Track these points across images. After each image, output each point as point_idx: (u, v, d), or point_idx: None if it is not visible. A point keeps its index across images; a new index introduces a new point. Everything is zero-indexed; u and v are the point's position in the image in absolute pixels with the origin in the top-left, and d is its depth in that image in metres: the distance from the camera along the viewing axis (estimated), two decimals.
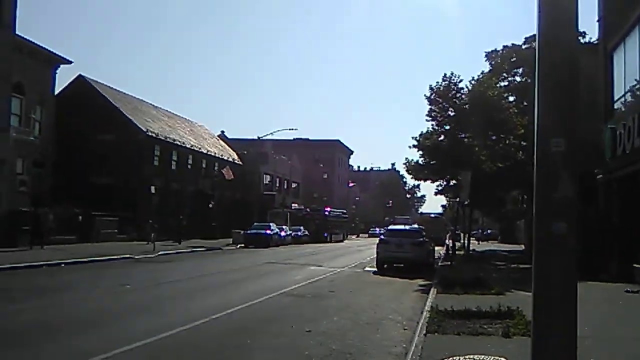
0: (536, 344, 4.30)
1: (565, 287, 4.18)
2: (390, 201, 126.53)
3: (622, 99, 22.48)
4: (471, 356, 8.53)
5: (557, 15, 4.30)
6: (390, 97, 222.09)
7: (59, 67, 41.67)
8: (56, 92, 42.85)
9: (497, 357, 8.46)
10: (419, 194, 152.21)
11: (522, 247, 49.92)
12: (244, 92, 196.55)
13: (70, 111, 43.18)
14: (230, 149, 70.99)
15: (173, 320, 11.43)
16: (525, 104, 35.71)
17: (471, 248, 38.63)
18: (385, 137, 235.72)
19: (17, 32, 33.90)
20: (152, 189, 46.35)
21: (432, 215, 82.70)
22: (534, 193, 4.27)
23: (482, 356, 8.53)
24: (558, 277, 4.17)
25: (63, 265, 23.70)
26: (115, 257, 28.15)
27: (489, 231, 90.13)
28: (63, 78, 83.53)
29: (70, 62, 42.21)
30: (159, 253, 31.60)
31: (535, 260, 4.30)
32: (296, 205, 79.78)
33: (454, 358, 8.44)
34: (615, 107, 23.21)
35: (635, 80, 21.04)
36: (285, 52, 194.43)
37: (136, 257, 28.99)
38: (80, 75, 49.45)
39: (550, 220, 4.15)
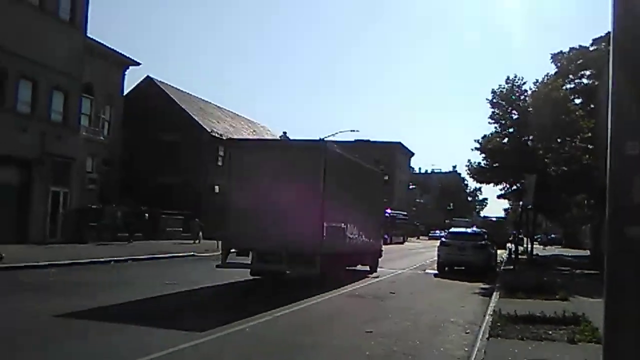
0: (607, 351, 4.24)
1: (639, 293, 4.11)
2: (451, 204, 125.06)
3: None
4: None
5: (632, 13, 4.23)
6: (452, 98, 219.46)
7: (128, 68, 42.86)
8: (125, 92, 44.01)
9: None
10: (480, 197, 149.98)
11: (588, 252, 48.72)
12: (307, 93, 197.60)
13: (138, 111, 44.27)
14: None
15: (234, 318, 11.58)
16: (592, 106, 34.85)
17: (534, 252, 37.90)
18: (446, 139, 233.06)
19: (88, 35, 35.01)
20: (216, 188, 47.04)
21: (494, 219, 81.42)
22: (607, 197, 4.21)
23: None
24: (631, 284, 4.10)
25: (129, 261, 24.37)
26: (180, 254, 28.80)
27: (552, 236, 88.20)
28: (131, 79, 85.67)
29: (139, 64, 43.41)
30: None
31: (607, 266, 4.24)
32: None
33: None
34: None
35: None
36: (349, 54, 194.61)
37: (197, 255, 29.53)
38: (148, 77, 50.74)
39: (624, 225, 4.08)
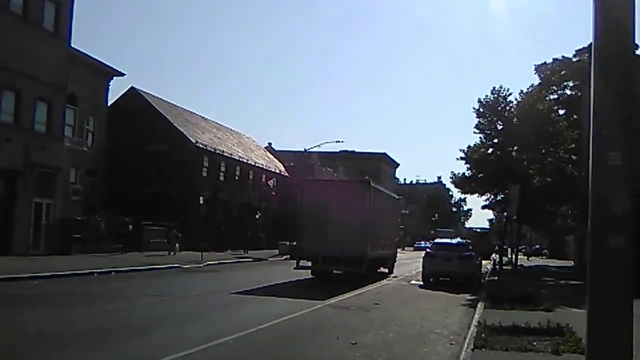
0: None
1: (621, 304, 4.11)
2: (436, 214, 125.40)
3: None
4: None
5: (613, 25, 4.26)
6: (437, 110, 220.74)
7: (112, 79, 42.62)
8: (109, 103, 43.79)
9: None
10: (465, 208, 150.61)
11: (572, 262, 48.97)
12: (292, 105, 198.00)
13: (122, 122, 44.06)
14: (277, 160, 71.46)
15: (220, 330, 11.57)
16: (575, 117, 35.13)
17: (519, 263, 38.02)
18: (431, 150, 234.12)
19: (72, 45, 34.84)
20: (201, 199, 46.91)
21: (479, 230, 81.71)
22: (590, 207, 4.22)
23: None
24: (614, 294, 4.10)
25: (113, 273, 24.18)
26: (164, 266, 28.63)
27: (537, 246, 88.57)
28: (116, 90, 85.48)
29: (123, 75, 43.17)
30: (207, 263, 31.94)
31: (590, 276, 4.24)
32: None
33: None
34: None
35: None
36: (333, 66, 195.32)
37: (184, 266, 29.36)
38: (132, 87, 50.55)
39: (606, 235, 4.09)
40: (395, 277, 29.89)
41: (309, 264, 26.47)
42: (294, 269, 26.46)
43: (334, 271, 26.92)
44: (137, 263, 28.28)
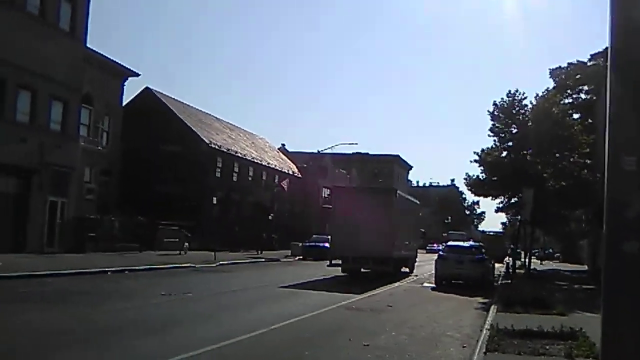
0: None
1: (637, 308, 4.10)
2: (449, 217, 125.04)
3: None
4: None
5: (631, 28, 4.25)
6: (451, 112, 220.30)
7: (127, 79, 42.92)
8: (124, 103, 44.08)
9: None
10: (478, 211, 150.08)
11: (585, 267, 48.67)
12: (306, 106, 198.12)
13: (137, 122, 44.33)
14: (290, 162, 71.58)
15: (234, 329, 11.62)
16: (590, 121, 34.96)
17: (532, 267, 37.86)
18: (444, 152, 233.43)
19: (88, 45, 35.11)
20: (214, 199, 47.08)
21: (492, 233, 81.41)
22: (605, 212, 4.22)
23: None
24: (629, 298, 4.09)
25: (127, 272, 24.33)
26: (177, 265, 28.76)
27: (550, 250, 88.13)
28: (131, 90, 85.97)
29: (138, 75, 43.47)
30: (220, 263, 32.05)
31: (604, 281, 4.23)
32: None
33: None
34: None
35: None
36: (349, 67, 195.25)
37: (197, 266, 29.47)
38: (147, 88, 50.85)
39: (621, 240, 4.08)
40: (416, 275, 32.39)
41: (340, 262, 30.24)
42: (327, 266, 32.13)
43: (362, 269, 29.83)
44: (151, 262, 28.46)
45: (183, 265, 29.16)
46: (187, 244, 38.36)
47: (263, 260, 39.90)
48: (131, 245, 35.98)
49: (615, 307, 4.17)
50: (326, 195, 74.24)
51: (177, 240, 38.84)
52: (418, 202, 42.17)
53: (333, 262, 31.11)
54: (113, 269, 24.08)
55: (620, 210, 4.11)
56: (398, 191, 32.45)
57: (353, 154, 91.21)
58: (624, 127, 4.18)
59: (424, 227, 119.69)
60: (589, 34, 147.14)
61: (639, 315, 4.12)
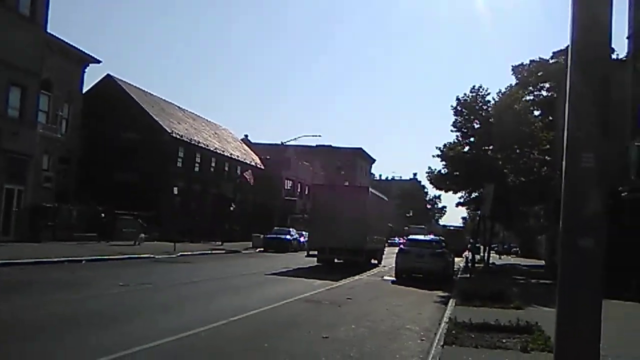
0: (559, 359, 4.28)
1: (591, 303, 4.15)
2: (411, 211, 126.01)
3: None
4: None
5: (590, 29, 4.29)
6: (414, 107, 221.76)
7: (88, 66, 42.12)
8: (84, 90, 43.31)
9: None
10: (439, 205, 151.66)
11: (543, 262, 49.49)
12: (270, 98, 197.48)
13: (97, 110, 43.64)
14: (253, 153, 71.25)
15: (192, 321, 11.52)
16: (550, 118, 35.52)
17: (491, 261, 38.36)
18: (407, 147, 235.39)
19: (48, 31, 34.36)
20: (175, 189, 46.62)
21: (453, 228, 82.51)
22: (562, 208, 4.25)
23: None
24: (583, 293, 4.15)
25: (84, 261, 23.96)
26: (136, 256, 28.41)
27: (509, 245, 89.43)
28: (91, 77, 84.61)
29: (99, 62, 42.65)
30: (180, 254, 31.76)
31: (560, 276, 4.28)
32: None
33: None
34: None
35: None
36: (314, 60, 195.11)
37: (157, 256, 29.17)
38: (108, 75, 50.07)
39: (577, 236, 4.13)
40: (385, 266, 33.97)
41: (316, 253, 33.38)
42: (306, 256, 35.35)
43: (336, 260, 32.70)
44: (109, 252, 28.04)
45: (142, 255, 28.81)
46: (142, 234, 37.68)
47: (224, 251, 39.69)
48: (89, 234, 35.44)
49: (570, 302, 4.22)
50: (288, 187, 74.25)
51: (134, 230, 38.28)
52: (387, 199, 45.64)
53: (310, 252, 34.56)
54: (70, 258, 23.68)
55: (577, 207, 4.15)
56: (370, 189, 36.08)
57: (316, 146, 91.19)
58: (582, 123, 4.22)
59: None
60: (554, 32, 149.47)
61: (593, 309, 4.18)
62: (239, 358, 9.10)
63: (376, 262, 36.05)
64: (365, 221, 31.88)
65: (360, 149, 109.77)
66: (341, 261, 32.55)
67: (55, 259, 22.89)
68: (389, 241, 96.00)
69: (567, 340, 4.24)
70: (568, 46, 4.49)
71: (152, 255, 29.17)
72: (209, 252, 37.41)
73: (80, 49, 40.22)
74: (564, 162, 4.27)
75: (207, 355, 9.21)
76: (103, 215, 38.53)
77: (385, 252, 39.57)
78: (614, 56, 33.61)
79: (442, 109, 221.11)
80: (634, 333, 13.17)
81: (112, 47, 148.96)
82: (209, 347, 9.72)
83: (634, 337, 12.52)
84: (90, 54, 41.51)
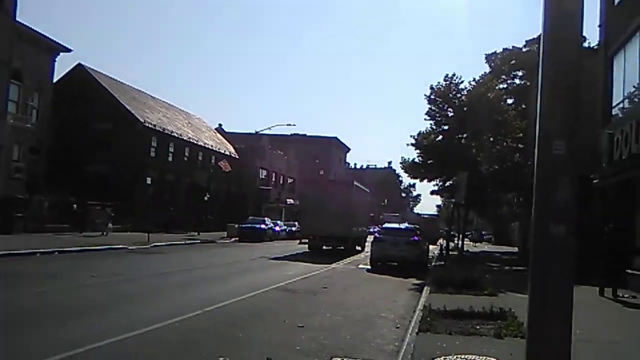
0: (531, 345, 4.30)
1: (562, 289, 4.18)
2: (386, 199, 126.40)
3: (621, 105, 22.52)
4: (463, 356, 8.55)
5: (562, 18, 4.29)
6: (389, 96, 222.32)
7: (59, 55, 41.50)
8: (55, 79, 42.70)
9: (488, 357, 8.48)
10: (414, 193, 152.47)
11: (516, 249, 49.98)
12: (243, 86, 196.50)
13: (68, 99, 43.13)
14: (227, 142, 70.88)
15: (165, 312, 11.45)
16: (524, 106, 35.76)
17: (465, 249, 38.64)
18: (382, 135, 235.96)
19: (17, 19, 33.77)
20: (148, 179, 46.22)
21: (427, 216, 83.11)
22: (534, 195, 4.27)
23: (474, 356, 8.55)
24: (555, 280, 4.17)
25: (56, 253, 23.67)
26: (109, 246, 28.13)
27: (483, 233, 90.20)
28: (62, 66, 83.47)
29: (70, 51, 42.06)
30: (153, 244, 31.54)
31: (532, 262, 4.30)
32: (291, 200, 79.69)
33: (446, 357, 8.46)
34: (613, 112, 23.24)
35: (634, 86, 21.06)
36: (285, 48, 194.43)
37: (130, 247, 28.94)
38: (79, 64, 49.37)
39: (549, 223, 4.14)
40: (367, 253, 32.85)
41: (307, 241, 36.96)
42: (299, 243, 39.73)
43: (324, 247, 35.80)
44: (81, 244, 27.72)
45: (115, 246, 28.54)
46: (110, 224, 37.18)
47: (199, 241, 39.52)
48: (61, 226, 35.01)
49: (542, 288, 4.24)
50: (263, 176, 74.03)
51: (102, 220, 37.82)
52: (368, 191, 49.11)
53: (302, 241, 38.24)
54: (42, 250, 23.38)
55: (548, 194, 4.16)
56: (355, 183, 39.54)
57: (291, 135, 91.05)
58: (553, 112, 4.23)
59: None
60: (528, 20, 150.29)
61: (564, 295, 4.20)
62: (213, 349, 9.04)
63: (360, 248, 38.12)
64: (350, 212, 35.04)
65: (335, 138, 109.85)
66: (329, 248, 35.77)
67: (26, 251, 22.56)
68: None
69: (539, 326, 4.27)
70: (540, 35, 4.49)
71: (125, 246, 28.94)
72: (183, 242, 37.22)
73: (51, 37, 39.66)
74: (535, 150, 4.28)
75: (181, 346, 9.13)
76: (75, 206, 38.07)
77: (367, 239, 40.34)
78: (585, 45, 34.00)
79: (416, 98, 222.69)
80: (603, 318, 13.37)
81: (82, 36, 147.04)
82: (183, 338, 9.65)
83: (603, 322, 12.70)
84: (61, 43, 40.96)
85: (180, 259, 25.85)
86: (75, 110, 44.32)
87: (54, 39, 40.04)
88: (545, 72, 4.34)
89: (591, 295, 16.64)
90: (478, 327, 10.86)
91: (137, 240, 32.23)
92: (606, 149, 22.16)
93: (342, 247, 35.41)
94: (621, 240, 18.18)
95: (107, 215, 37.74)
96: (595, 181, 23.75)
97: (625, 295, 17.17)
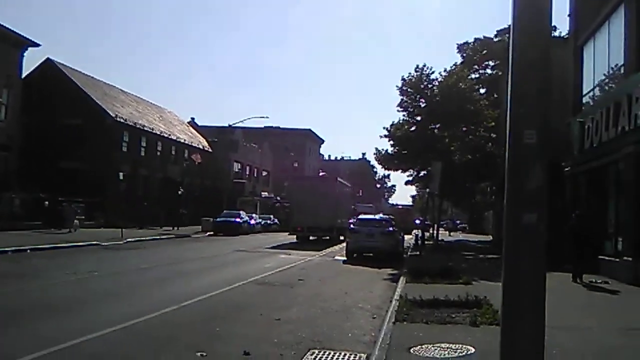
0: (505, 333, 4.35)
1: (535, 277, 4.22)
2: (361, 191, 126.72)
3: (591, 94, 22.80)
4: (439, 344, 8.62)
5: (531, 7, 4.32)
6: (362, 87, 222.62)
7: (27, 49, 40.85)
8: (23, 75, 42.04)
9: (465, 346, 8.56)
10: (389, 184, 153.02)
11: (490, 237, 50.47)
12: (215, 79, 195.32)
13: (38, 95, 42.54)
14: (200, 136, 70.46)
15: (142, 308, 11.38)
16: (495, 96, 36.09)
17: (440, 238, 38.95)
18: (356, 126, 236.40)
19: None
20: (120, 175, 45.77)
21: (401, 206, 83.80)
22: (505, 184, 4.31)
23: (450, 344, 8.64)
24: (528, 268, 4.21)
25: (29, 251, 23.36)
26: (83, 243, 27.80)
27: (457, 222, 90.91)
28: (31, 61, 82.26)
29: (38, 45, 41.39)
30: (127, 240, 31.27)
31: (505, 251, 4.34)
32: (266, 193, 79.55)
33: (423, 346, 8.53)
34: (584, 101, 23.54)
35: (604, 75, 21.34)
36: (257, 40, 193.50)
37: (103, 243, 28.66)
38: (48, 59, 48.65)
39: (521, 211, 4.19)
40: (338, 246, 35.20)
41: (295, 232, 40.26)
42: (289, 234, 41.02)
43: (311, 237, 39.27)
44: (54, 241, 27.36)
45: (89, 243, 28.21)
46: (77, 221, 36.41)
47: (173, 236, 39.28)
48: (34, 223, 34.54)
49: (515, 276, 4.29)
50: (237, 170, 73.79)
51: (83, 217, 37.28)
52: (350, 185, 55.72)
53: (292, 232, 40.82)
54: (14, 248, 23.04)
55: (519, 182, 4.21)
56: (338, 178, 44.78)
57: (265, 127, 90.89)
58: (523, 101, 4.27)
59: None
60: (500, 10, 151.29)
61: (537, 282, 4.25)
62: (191, 343, 9.01)
63: (343, 238, 38.37)
64: (334, 205, 39.22)
65: (309, 130, 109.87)
66: (315, 238, 39.31)
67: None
68: None
69: (512, 313, 4.31)
70: (510, 25, 4.53)
71: (98, 243, 28.64)
72: (158, 237, 36.94)
73: (18, 32, 38.97)
74: (507, 139, 4.31)
75: (159, 341, 9.09)
76: (47, 203, 37.58)
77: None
78: (555, 34, 34.38)
79: (389, 89, 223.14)
80: (577, 304, 13.55)
81: (51, 31, 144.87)
82: (160, 333, 9.61)
83: (576, 308, 12.88)
84: (29, 37, 40.28)
85: (154, 254, 25.67)
86: (45, 106, 43.78)
87: (22, 34, 39.42)
88: (515, 61, 4.37)
89: (563, 282, 16.87)
90: (454, 315, 10.96)
91: (110, 236, 31.91)
92: (577, 137, 22.45)
93: (328, 237, 38.27)
94: (585, 227, 18.48)
95: (72, 212, 36.79)
96: (566, 169, 24.06)
97: (598, 281, 17.45)
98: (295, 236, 39.80)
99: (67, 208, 37.21)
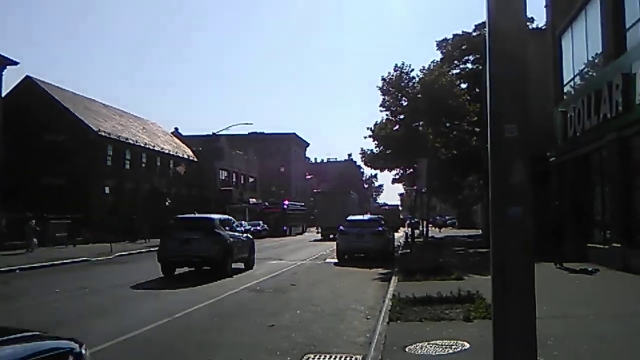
0: (497, 326, 4.36)
1: (522, 269, 4.24)
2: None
3: (572, 83, 22.97)
4: (434, 341, 8.63)
5: (505, 1, 4.33)
6: (345, 88, 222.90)
7: (5, 68, 40.51)
8: (3, 94, 41.68)
9: (459, 341, 8.57)
10: (376, 184, 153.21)
11: (480, 231, 50.64)
12: (197, 88, 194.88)
13: (19, 113, 42.17)
14: (184, 145, 70.21)
15: (135, 321, 11.35)
16: (477, 90, 36.17)
17: (430, 235, 39.01)
18: (341, 128, 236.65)
19: None
20: (106, 189, 45.51)
21: (388, 207, 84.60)
22: (489, 179, 4.32)
23: (445, 341, 8.64)
24: (515, 260, 4.23)
25: (18, 271, 23.14)
26: (71, 260, 27.56)
27: (446, 217, 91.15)
28: (10, 79, 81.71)
29: (17, 63, 41.07)
30: (116, 255, 31.06)
31: (492, 245, 4.36)
32: (254, 199, 79.39)
33: (418, 344, 8.53)
34: (565, 90, 23.69)
35: (584, 63, 21.49)
36: (237, 47, 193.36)
37: (92, 259, 28.44)
38: (27, 77, 48.34)
39: (505, 205, 4.20)
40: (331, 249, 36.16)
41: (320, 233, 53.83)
42: (317, 233, 57.10)
43: (330, 236, 44.32)
44: (42, 259, 27.09)
45: (77, 259, 27.95)
46: (35, 239, 34.20)
47: None
48: (21, 242, 34.13)
49: (503, 268, 4.30)
50: (224, 177, 73.60)
51: (67, 234, 36.38)
52: (355, 195, 71.24)
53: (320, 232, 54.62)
54: (3, 268, 22.83)
55: (503, 176, 4.22)
56: (351, 192, 64.85)
57: (249, 134, 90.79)
58: (503, 95, 4.28)
59: None
60: (478, 5, 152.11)
61: (526, 273, 4.27)
62: (186, 354, 8.98)
63: None
64: (347, 211, 46.17)
65: (294, 133, 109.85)
66: (333, 236, 42.65)
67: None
68: None
69: (503, 306, 4.33)
70: (486, 19, 4.53)
71: (88, 258, 28.42)
72: (147, 250, 36.68)
73: None
74: (488, 134, 4.32)
75: (154, 354, 9.05)
76: (34, 222, 37.22)
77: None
78: (533, 25, 34.55)
79: (373, 89, 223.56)
80: (569, 294, 13.62)
81: (28, 48, 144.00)
82: (156, 346, 9.57)
83: (569, 298, 12.94)
84: (7, 56, 39.95)
85: (145, 268, 25.37)
86: (27, 124, 43.45)
87: (0, 53, 39.08)
88: (492, 56, 4.39)
89: (552, 271, 16.96)
90: (447, 312, 10.97)
91: (99, 251, 31.68)
92: (560, 127, 22.59)
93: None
94: (562, 216, 18.77)
95: (32, 229, 34.31)
96: (552, 159, 24.19)
97: (589, 269, 17.56)
98: (321, 235, 54.01)
99: (26, 226, 34.57)
